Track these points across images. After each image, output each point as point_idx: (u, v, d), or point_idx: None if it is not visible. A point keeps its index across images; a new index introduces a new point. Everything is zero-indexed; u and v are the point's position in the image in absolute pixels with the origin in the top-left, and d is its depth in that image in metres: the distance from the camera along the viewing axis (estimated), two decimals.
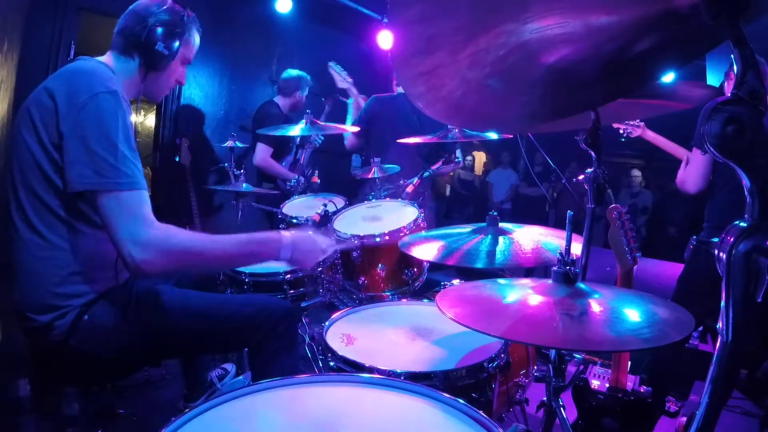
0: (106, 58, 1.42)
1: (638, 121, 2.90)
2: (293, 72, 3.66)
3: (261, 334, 1.47)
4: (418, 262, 2.02)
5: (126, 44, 1.40)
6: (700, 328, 2.75)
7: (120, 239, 1.17)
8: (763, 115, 0.58)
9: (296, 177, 3.03)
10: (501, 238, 1.43)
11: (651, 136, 2.89)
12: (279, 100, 3.68)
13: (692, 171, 2.23)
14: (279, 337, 1.50)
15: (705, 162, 2.17)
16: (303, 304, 1.85)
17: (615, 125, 2.94)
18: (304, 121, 2.51)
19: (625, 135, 2.97)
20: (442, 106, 0.93)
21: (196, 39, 1.52)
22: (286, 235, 1.39)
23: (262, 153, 3.48)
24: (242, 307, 1.51)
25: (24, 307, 1.28)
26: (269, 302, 1.57)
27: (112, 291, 1.36)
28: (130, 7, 1.42)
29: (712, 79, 3.34)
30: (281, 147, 3.56)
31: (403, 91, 2.72)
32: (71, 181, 1.20)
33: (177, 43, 1.42)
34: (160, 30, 1.37)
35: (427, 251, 1.45)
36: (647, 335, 0.83)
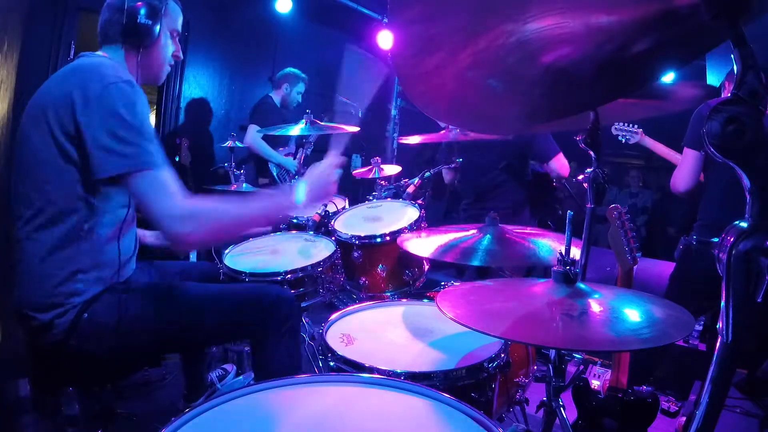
0: (101, 55, 1.43)
1: (636, 127, 2.93)
2: (286, 69, 3.93)
3: (262, 320, 1.47)
4: (419, 263, 2.02)
5: (109, 34, 1.42)
6: (700, 329, 2.76)
7: (160, 216, 1.20)
8: (763, 115, 0.58)
9: (294, 168, 3.04)
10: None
11: (649, 142, 2.91)
12: (272, 93, 3.95)
13: (682, 170, 2.26)
14: (281, 322, 1.50)
15: (694, 161, 2.20)
16: (303, 304, 1.84)
17: (614, 132, 2.97)
18: (304, 120, 2.51)
19: (624, 141, 2.99)
20: (442, 106, 0.93)
21: (175, 6, 1.52)
22: (295, 186, 1.41)
23: (252, 132, 3.53)
24: (242, 295, 1.51)
25: (24, 305, 1.28)
26: (268, 288, 1.57)
27: (111, 288, 1.36)
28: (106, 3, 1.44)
29: (712, 79, 3.34)
30: (274, 136, 3.55)
31: None
32: (97, 167, 1.22)
33: (157, 14, 1.42)
34: (138, 7, 1.39)
35: (424, 248, 1.45)
36: (647, 335, 0.83)
